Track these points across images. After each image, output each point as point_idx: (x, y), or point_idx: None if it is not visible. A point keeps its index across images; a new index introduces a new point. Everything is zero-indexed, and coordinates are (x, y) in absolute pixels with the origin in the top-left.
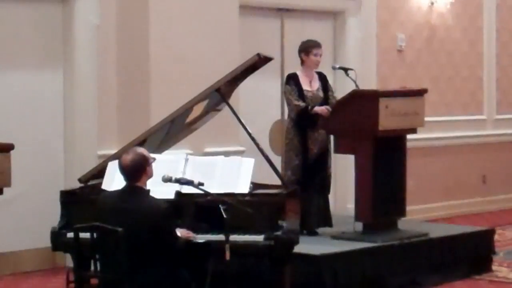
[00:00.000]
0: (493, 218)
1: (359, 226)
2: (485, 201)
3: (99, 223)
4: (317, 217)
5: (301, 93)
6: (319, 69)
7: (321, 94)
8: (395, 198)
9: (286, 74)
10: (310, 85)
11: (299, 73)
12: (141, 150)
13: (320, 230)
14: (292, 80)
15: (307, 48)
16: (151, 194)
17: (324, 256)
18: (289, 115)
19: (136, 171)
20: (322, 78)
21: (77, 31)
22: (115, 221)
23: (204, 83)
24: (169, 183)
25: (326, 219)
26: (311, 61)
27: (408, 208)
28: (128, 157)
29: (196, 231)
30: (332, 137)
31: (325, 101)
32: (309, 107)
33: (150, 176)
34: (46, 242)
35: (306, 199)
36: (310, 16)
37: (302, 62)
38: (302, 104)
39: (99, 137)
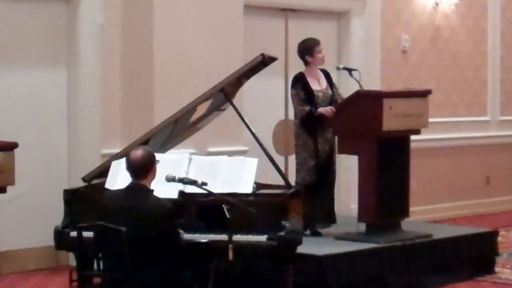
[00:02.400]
0: (497, 220)
1: (362, 226)
2: (488, 202)
3: (103, 222)
4: (323, 215)
5: (311, 95)
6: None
7: (330, 92)
8: (398, 199)
9: (290, 74)
10: (319, 84)
11: (305, 72)
12: (148, 148)
13: (324, 230)
14: (299, 82)
15: (310, 49)
16: (155, 193)
17: (327, 256)
18: (296, 117)
19: (146, 167)
20: (327, 75)
21: (81, 30)
22: (119, 219)
23: (208, 82)
24: (172, 183)
25: (331, 215)
26: (317, 59)
27: (412, 209)
28: (138, 154)
29: (198, 230)
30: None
31: (333, 100)
32: (313, 110)
33: (155, 175)
34: (50, 241)
35: (316, 198)
36: (315, 16)
37: (307, 63)
38: (306, 108)
39: (103, 136)
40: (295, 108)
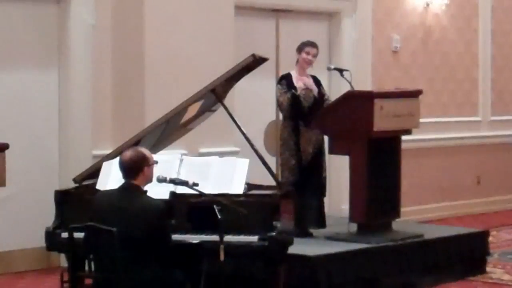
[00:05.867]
0: (488, 220)
1: (353, 227)
2: (479, 203)
3: (94, 223)
4: (312, 218)
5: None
6: (314, 72)
7: (313, 94)
8: (389, 199)
9: (281, 75)
10: (304, 85)
11: (293, 73)
12: (143, 149)
13: (315, 231)
14: (284, 79)
15: (300, 47)
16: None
17: (318, 257)
18: (281, 112)
19: (134, 168)
20: (316, 81)
21: (72, 31)
22: (112, 219)
23: (199, 83)
24: (163, 183)
25: (320, 220)
26: (302, 59)
27: (403, 209)
28: (127, 154)
29: (189, 231)
30: (327, 138)
31: (317, 101)
32: (294, 91)
33: (148, 177)
34: (41, 242)
35: (302, 200)
36: (305, 16)
37: (297, 62)
38: (288, 93)
39: (94, 137)
40: (278, 100)
